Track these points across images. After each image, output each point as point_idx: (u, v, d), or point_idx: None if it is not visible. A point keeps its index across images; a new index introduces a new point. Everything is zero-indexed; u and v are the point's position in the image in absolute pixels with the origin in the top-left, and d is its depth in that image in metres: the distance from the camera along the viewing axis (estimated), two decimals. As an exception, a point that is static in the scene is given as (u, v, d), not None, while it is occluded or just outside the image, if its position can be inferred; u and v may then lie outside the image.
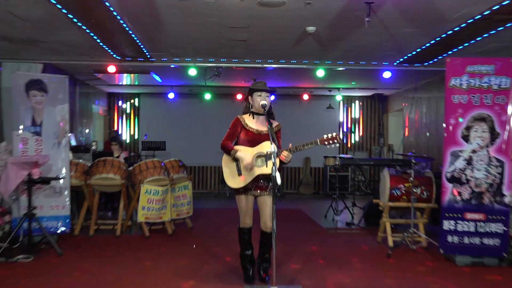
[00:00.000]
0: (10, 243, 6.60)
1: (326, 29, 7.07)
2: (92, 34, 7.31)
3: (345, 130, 15.96)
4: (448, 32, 7.04)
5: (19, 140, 7.35)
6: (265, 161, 5.11)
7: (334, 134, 4.94)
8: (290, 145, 5.00)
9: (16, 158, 6.75)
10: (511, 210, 6.43)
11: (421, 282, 5.53)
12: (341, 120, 15.95)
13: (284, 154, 4.99)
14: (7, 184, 6.56)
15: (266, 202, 5.26)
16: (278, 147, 5.06)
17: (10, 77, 8.42)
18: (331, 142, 4.93)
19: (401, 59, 9.07)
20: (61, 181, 7.47)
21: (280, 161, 5.07)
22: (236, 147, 5.22)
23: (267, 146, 5.07)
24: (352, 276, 5.76)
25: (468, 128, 6.34)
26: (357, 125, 16.04)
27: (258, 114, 5.32)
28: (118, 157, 9.49)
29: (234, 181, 5.25)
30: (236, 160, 5.21)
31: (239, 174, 5.21)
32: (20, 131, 7.37)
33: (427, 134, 11.93)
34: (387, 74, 9.80)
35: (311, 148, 4.97)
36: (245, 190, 5.25)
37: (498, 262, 6.28)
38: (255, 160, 5.15)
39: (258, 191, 5.27)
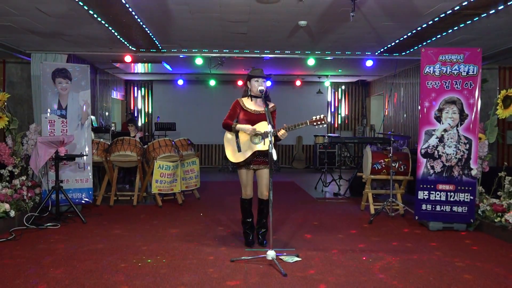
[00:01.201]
0: (40, 212, 6.62)
1: (316, 23, 7.00)
2: (110, 28, 7.23)
3: (332, 112, 15.91)
4: (423, 25, 6.97)
5: (47, 122, 7.33)
6: (261, 139, 5.12)
7: (321, 116, 4.94)
8: (285, 125, 5.00)
9: (45, 138, 6.72)
10: (477, 181, 6.45)
11: (399, 244, 5.55)
12: (329, 103, 15.88)
13: (281, 132, 4.98)
14: (37, 161, 6.54)
15: (263, 175, 5.27)
16: (273, 126, 5.06)
17: (38, 66, 8.37)
18: (319, 123, 4.92)
19: (382, 49, 9.00)
20: (85, 157, 7.47)
21: (275, 138, 5.06)
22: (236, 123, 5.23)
23: (264, 126, 5.06)
24: (338, 240, 5.77)
25: (440, 110, 6.31)
26: (343, 107, 15.98)
27: (255, 97, 5.30)
28: (134, 136, 9.47)
29: (234, 156, 5.25)
30: (236, 136, 5.21)
31: (239, 150, 5.21)
32: (48, 114, 7.34)
33: (404, 115, 11.89)
34: (369, 63, 9.75)
35: (302, 127, 4.97)
36: (245, 164, 5.25)
37: (466, 227, 6.30)
38: (253, 138, 5.15)
39: (257, 165, 5.27)
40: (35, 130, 7.18)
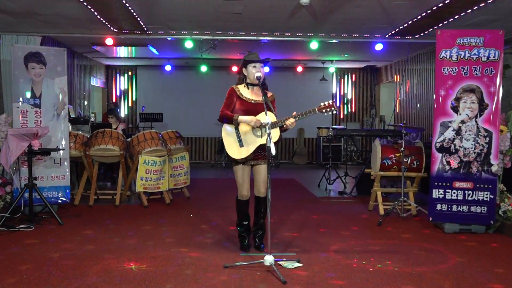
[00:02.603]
0: (12, 213, 6.60)
1: (320, 1, 6.99)
2: (89, 7, 7.20)
3: (337, 101, 15.92)
4: (439, 5, 6.97)
5: (19, 112, 7.30)
6: (265, 131, 5.10)
7: (330, 101, 5.04)
8: (295, 113, 5.04)
9: (16, 130, 6.70)
10: (498, 179, 6.47)
11: (411, 248, 5.57)
12: (334, 91, 15.90)
13: (290, 121, 5.02)
14: (8, 156, 6.53)
15: (261, 171, 5.27)
16: (275, 115, 5.07)
17: (8, 50, 8.32)
18: (328, 109, 5.01)
19: (393, 32, 9.00)
20: (61, 152, 7.45)
21: (281, 129, 5.11)
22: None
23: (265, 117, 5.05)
24: (344, 243, 5.79)
25: (457, 99, 6.32)
26: (349, 96, 15.99)
27: (252, 85, 5.30)
28: (116, 128, 9.46)
29: (236, 152, 5.20)
30: (237, 129, 5.19)
31: (241, 145, 5.18)
32: (20, 103, 7.32)
33: (418, 105, 11.91)
34: (379, 46, 9.75)
35: (309, 116, 5.03)
36: (244, 160, 5.25)
37: (485, 229, 6.33)
38: (255, 130, 5.14)
39: (255, 160, 5.27)
40: (6, 121, 7.15)
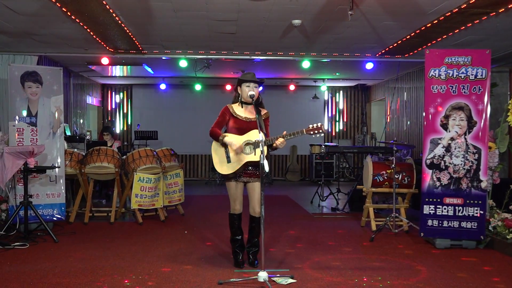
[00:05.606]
0: (7, 230, 6.57)
1: (311, 22, 7.04)
2: (86, 27, 7.22)
3: (330, 119, 15.97)
4: (427, 25, 7.03)
5: (15, 131, 7.28)
6: (253, 148, 5.12)
7: (319, 124, 4.98)
8: (285, 132, 5.03)
9: (12, 148, 6.67)
10: (487, 194, 6.48)
11: (402, 264, 5.56)
12: (326, 109, 15.96)
13: (279, 141, 5.02)
14: (4, 173, 6.49)
15: (255, 188, 5.26)
16: (266, 135, 5.08)
17: (5, 69, 8.33)
18: (316, 132, 4.97)
19: (383, 51, 9.07)
20: (56, 170, 7.43)
21: (271, 148, 5.10)
22: (225, 134, 5.21)
23: (255, 134, 5.07)
24: (337, 259, 5.77)
25: (446, 117, 6.36)
26: (341, 114, 16.05)
27: (246, 103, 5.32)
28: (111, 146, 9.43)
29: (223, 167, 5.24)
30: (224, 146, 5.21)
31: (228, 161, 5.20)
32: (16, 122, 7.30)
33: (408, 122, 11.96)
34: (369, 65, 9.81)
35: (297, 137, 5.01)
36: (234, 176, 5.24)
37: (476, 245, 6.33)
38: (244, 147, 5.15)
39: (247, 177, 5.27)
40: (2, 140, 7.13)
